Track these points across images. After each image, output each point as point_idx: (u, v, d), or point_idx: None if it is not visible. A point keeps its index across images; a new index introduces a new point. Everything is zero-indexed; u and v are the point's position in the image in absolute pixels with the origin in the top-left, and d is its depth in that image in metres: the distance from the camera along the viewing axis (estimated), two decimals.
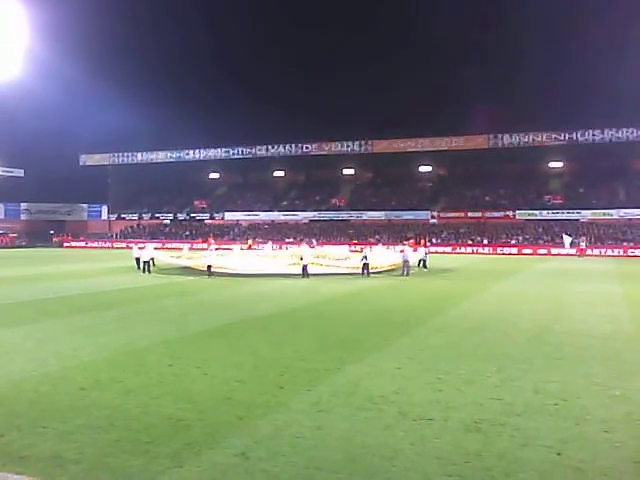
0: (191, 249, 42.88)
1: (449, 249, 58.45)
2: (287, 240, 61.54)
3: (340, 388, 8.58)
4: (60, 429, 6.82)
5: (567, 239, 54.29)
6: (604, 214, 60.86)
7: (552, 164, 67.15)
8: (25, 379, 8.99)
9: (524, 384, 8.89)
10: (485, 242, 60.81)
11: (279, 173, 77.61)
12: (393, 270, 30.51)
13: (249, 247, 38.76)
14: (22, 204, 79.02)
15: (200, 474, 5.66)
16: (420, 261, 32.50)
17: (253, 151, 73.91)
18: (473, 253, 57.64)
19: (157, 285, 24.41)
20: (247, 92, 74.99)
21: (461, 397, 8.21)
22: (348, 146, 70.13)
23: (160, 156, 77.79)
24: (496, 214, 65.12)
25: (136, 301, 18.97)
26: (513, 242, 59.99)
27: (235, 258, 31.45)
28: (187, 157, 77.11)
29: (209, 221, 76.58)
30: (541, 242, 59.10)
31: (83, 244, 73.33)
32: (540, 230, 61.89)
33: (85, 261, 41.87)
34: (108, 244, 72.43)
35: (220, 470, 5.74)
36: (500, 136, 63.93)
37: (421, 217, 67.81)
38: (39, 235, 74.15)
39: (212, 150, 75.64)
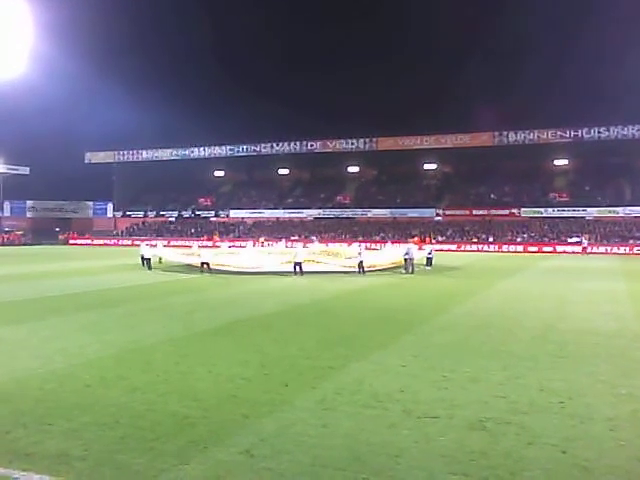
0: (201, 247, 42.94)
1: (454, 247, 58.37)
2: (292, 238, 61.55)
3: (345, 386, 8.59)
4: (66, 426, 6.84)
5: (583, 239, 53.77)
6: (610, 212, 60.69)
7: (557, 161, 66.96)
8: (31, 376, 9.02)
9: (529, 382, 8.87)
10: (490, 240, 60.72)
11: (284, 171, 77.63)
12: (394, 268, 30.27)
13: (261, 244, 38.87)
14: (28, 202, 79.27)
15: (205, 472, 5.67)
16: (428, 259, 32.28)
17: (258, 149, 73.99)
18: (478, 251, 57.55)
19: (162, 283, 24.47)
20: (252, 90, 75.04)
21: (466, 395, 8.20)
22: (353, 144, 70.13)
23: (165, 154, 77.95)
24: (501, 212, 65.04)
25: (142, 299, 19.01)
26: (518, 240, 59.88)
27: (242, 255, 31.50)
28: (192, 155, 77.23)
29: (214, 219, 76.69)
30: (546, 240, 58.98)
31: (89, 242, 73.55)
32: (545, 228, 61.79)
33: (91, 258, 41.99)
34: (114, 242, 72.64)
35: (225, 468, 5.75)
36: (505, 133, 63.84)
37: (426, 215, 67.77)
38: (45, 232, 74.35)
39: (217, 148, 75.74)
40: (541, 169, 67.42)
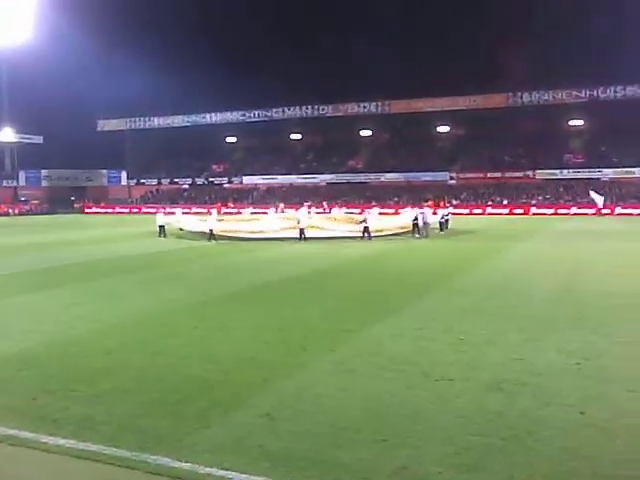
0: (220, 213, 43.14)
1: (467, 210, 58.04)
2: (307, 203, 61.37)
3: (363, 349, 8.67)
4: (89, 392, 6.98)
5: (597, 197, 52.69)
6: (626, 172, 59.81)
7: (573, 122, 65.78)
8: (54, 342, 9.18)
9: (546, 344, 8.90)
10: (505, 202, 60.29)
11: (296, 136, 77.08)
12: (404, 234, 29.52)
13: (281, 210, 38.90)
14: (42, 171, 79.45)
15: (227, 434, 5.77)
16: (441, 223, 32.03)
17: (269, 114, 73.41)
18: (492, 214, 57.22)
19: (178, 250, 24.62)
20: (262, 54, 74.10)
21: (483, 357, 8.25)
22: (365, 107, 69.38)
23: (177, 120, 77.58)
24: (516, 174, 64.34)
25: (159, 265, 19.19)
26: (533, 202, 59.40)
27: (262, 222, 31.37)
28: (203, 121, 76.77)
29: (227, 185, 76.61)
30: (562, 202, 58.46)
31: (104, 210, 73.97)
32: (561, 190, 61.17)
33: (106, 226, 42.29)
34: (129, 209, 72.97)
35: (246, 430, 5.85)
36: (519, 94, 62.77)
37: (440, 178, 67.23)
38: (60, 201, 74.72)
39: (228, 113, 75.21)
40: (556, 130, 66.31)
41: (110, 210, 73.77)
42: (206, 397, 6.76)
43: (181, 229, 32.36)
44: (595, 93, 59.92)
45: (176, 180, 79.29)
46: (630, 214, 51.62)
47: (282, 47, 71.88)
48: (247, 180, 75.69)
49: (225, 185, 76.74)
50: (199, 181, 78.27)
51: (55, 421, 6.13)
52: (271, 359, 8.22)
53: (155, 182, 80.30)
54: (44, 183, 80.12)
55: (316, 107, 71.06)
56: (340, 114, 70.64)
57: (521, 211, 57.33)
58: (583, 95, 60.64)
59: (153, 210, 43.84)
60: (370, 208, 41.00)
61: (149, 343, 9.10)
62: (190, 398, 6.74)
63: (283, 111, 72.57)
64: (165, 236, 30.12)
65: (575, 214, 54.13)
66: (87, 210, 74.15)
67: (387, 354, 8.38)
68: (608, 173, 60.64)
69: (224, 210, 50.95)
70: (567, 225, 38.84)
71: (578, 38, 57.23)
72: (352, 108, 69.91)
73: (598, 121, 62.27)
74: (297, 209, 36.25)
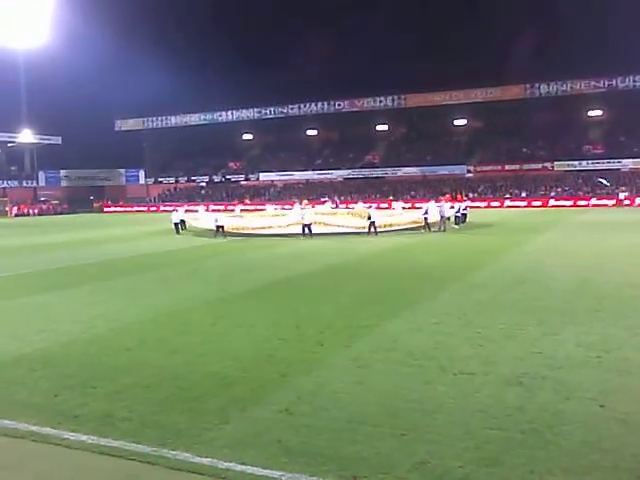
0: (243, 210, 43.38)
1: (485, 203, 57.69)
2: (323, 199, 61.41)
3: (380, 344, 8.66)
4: (110, 388, 7.05)
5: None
6: None
7: (591, 112, 65.03)
8: (74, 341, 9.28)
9: (565, 337, 8.82)
10: (523, 195, 59.83)
11: (312, 132, 77.08)
12: (415, 229, 29.27)
13: (305, 206, 38.99)
14: (62, 171, 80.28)
15: (245, 430, 5.80)
16: (457, 217, 31.85)
17: (285, 110, 73.47)
18: (511, 207, 56.81)
19: (195, 247, 24.77)
20: (277, 50, 74.21)
21: (501, 351, 8.20)
22: (381, 101, 69.18)
23: (193, 119, 77.94)
24: (534, 166, 63.86)
25: (176, 263, 19.30)
26: (552, 194, 58.87)
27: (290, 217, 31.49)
28: (220, 119, 77.03)
29: (244, 182, 76.87)
30: (580, 193, 57.89)
31: (123, 209, 74.55)
32: (580, 181, 60.58)
33: (125, 225, 42.62)
34: (147, 208, 73.45)
35: (265, 425, 5.88)
36: (537, 85, 62.23)
37: (457, 171, 66.91)
38: (79, 201, 75.55)
39: (244, 111, 75.40)
40: (574, 121, 65.62)
41: (128, 209, 74.37)
42: (225, 393, 6.80)
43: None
44: (614, 83, 59.22)
45: (193, 178, 79.71)
46: None
47: (297, 44, 71.93)
48: (263, 177, 75.87)
49: (242, 182, 77.00)
50: (216, 179, 78.62)
51: (76, 417, 6.20)
52: (288, 355, 8.25)
53: (172, 180, 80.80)
54: (63, 183, 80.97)
55: (332, 102, 70.97)
56: (356, 109, 70.47)
57: (539, 203, 56.92)
58: (602, 85, 59.96)
59: (170, 208, 44.11)
60: (395, 202, 40.80)
61: (168, 341, 9.16)
62: (209, 394, 6.78)
63: (299, 107, 72.59)
64: (181, 231, 30.85)
65: (594, 205, 53.59)
66: (106, 209, 74.82)
67: (404, 349, 8.36)
68: (628, 164, 59.96)
69: (242, 207, 51.18)
70: (586, 217, 38.46)
71: (596, 27, 56.54)
72: (368, 103, 69.71)
73: (617, 111, 61.52)
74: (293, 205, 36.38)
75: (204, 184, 78.96)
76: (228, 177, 78.22)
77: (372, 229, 27.66)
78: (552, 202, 56.73)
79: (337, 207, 42.26)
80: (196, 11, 72.23)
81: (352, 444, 5.43)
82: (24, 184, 77.07)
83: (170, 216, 33.86)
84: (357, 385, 6.96)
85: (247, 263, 19.05)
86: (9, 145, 74.14)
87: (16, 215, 67.72)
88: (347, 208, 38.39)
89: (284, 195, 69.14)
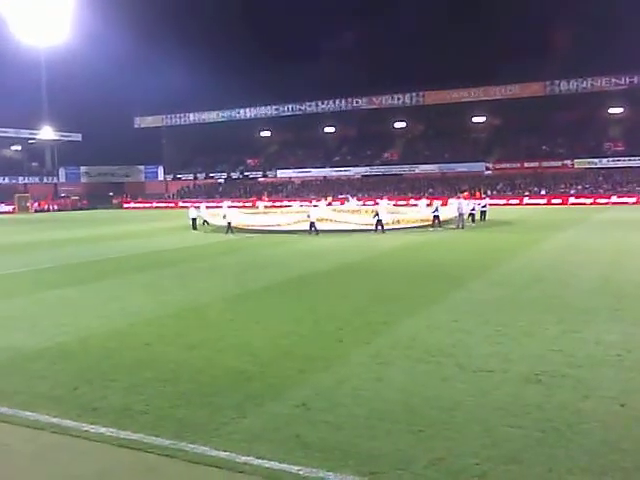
0: (267, 207, 43.63)
1: (504, 201, 57.26)
2: (341, 197, 61.33)
3: (398, 341, 8.64)
4: (128, 382, 7.11)
5: None
6: None
7: (612, 110, 64.11)
8: (93, 335, 9.36)
9: (585, 335, 8.74)
10: (542, 193, 59.32)
11: (330, 129, 76.98)
12: (425, 226, 28.78)
13: (330, 203, 39.09)
14: (82, 167, 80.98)
15: (263, 424, 5.82)
16: (472, 215, 31.60)
17: (303, 108, 73.47)
18: (530, 204, 56.35)
19: (212, 244, 24.88)
20: (295, 48, 74.15)
21: (521, 349, 8.15)
22: (399, 99, 68.87)
23: (212, 116, 78.20)
24: (553, 163, 63.20)
25: (194, 259, 19.40)
26: (572, 192, 58.30)
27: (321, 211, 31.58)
28: (238, 116, 77.24)
29: (262, 179, 77.02)
30: (601, 191, 57.26)
31: (142, 205, 75.05)
32: (600, 179, 59.89)
33: (144, 221, 42.89)
34: (166, 204, 73.88)
35: (283, 420, 5.90)
36: (557, 82, 61.58)
37: (475, 169, 66.42)
38: (99, 197, 76.24)
39: (262, 108, 75.54)
40: (595, 118, 64.81)
41: (147, 205, 74.81)
42: (242, 388, 6.82)
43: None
44: (635, 80, 58.42)
45: (211, 175, 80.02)
46: None
47: (315, 42, 71.89)
48: (281, 174, 75.95)
49: (260, 179, 77.14)
50: (234, 175, 78.82)
51: (95, 410, 6.27)
52: (307, 351, 8.26)
53: (191, 177, 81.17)
54: (83, 179, 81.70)
55: (350, 100, 70.83)
56: (374, 106, 70.25)
57: (559, 201, 56.35)
58: (622, 82, 59.18)
59: (189, 205, 44.39)
60: (419, 199, 40.54)
61: (186, 336, 9.21)
62: (227, 389, 6.81)
63: (317, 105, 72.53)
64: (199, 227, 31.32)
65: (615, 203, 52.98)
66: (125, 205, 75.36)
67: (423, 346, 8.34)
68: None
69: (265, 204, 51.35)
70: (606, 215, 38.04)
71: (617, 23, 55.81)
72: (386, 100, 69.46)
73: (638, 108, 60.70)
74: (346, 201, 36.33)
75: (222, 180, 79.22)
76: (246, 174, 78.40)
77: (379, 227, 27.57)
78: (572, 200, 56.15)
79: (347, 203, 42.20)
80: (215, 9, 72.45)
81: (370, 440, 5.42)
82: (45, 180, 77.89)
83: (187, 212, 34.08)
84: (376, 382, 6.95)
85: (263, 260, 19.09)
86: (30, 142, 74.88)
87: (36, 211, 68.47)
88: (372, 205, 38.13)
89: (302, 192, 69.11)
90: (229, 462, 5.03)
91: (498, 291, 12.33)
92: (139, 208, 73.15)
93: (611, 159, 61.06)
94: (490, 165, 66.47)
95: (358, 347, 8.43)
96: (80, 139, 77.09)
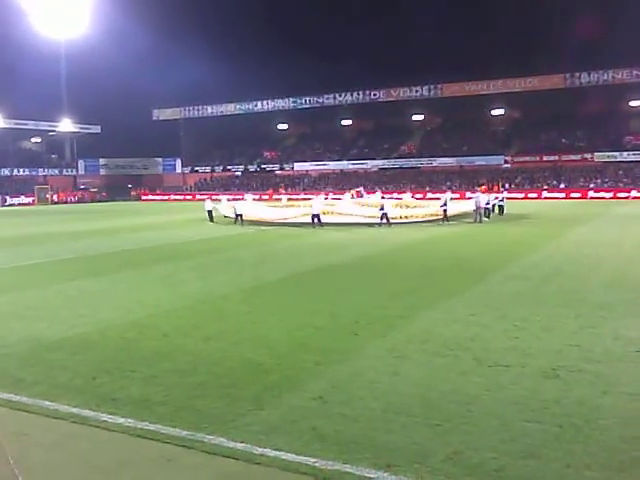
0: (290, 200, 43.69)
1: (523, 195, 56.79)
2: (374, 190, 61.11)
3: (415, 335, 8.62)
4: (147, 373, 7.18)
5: None
6: None
7: (633, 102, 63.21)
8: (111, 326, 9.46)
9: (603, 330, 8.67)
10: (562, 186, 58.75)
11: (347, 122, 76.74)
12: (435, 220, 28.52)
13: (356, 195, 39.04)
14: (100, 159, 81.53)
15: (280, 416, 5.85)
16: (487, 209, 31.27)
17: (320, 100, 73.29)
18: (549, 198, 55.84)
19: (229, 236, 24.95)
20: (313, 41, 73.97)
21: (538, 344, 8.10)
22: (417, 91, 68.43)
23: (229, 108, 78.29)
24: (573, 157, 62.47)
25: (212, 251, 19.48)
26: (591, 186, 57.67)
27: (343, 205, 31.86)
28: (255, 108, 77.26)
29: (279, 172, 77.03)
30: (621, 185, 56.57)
31: (160, 197, 75.45)
32: (620, 173, 59.15)
33: (162, 213, 43.12)
34: (184, 196, 74.23)
35: (299, 413, 5.92)
36: (577, 74, 60.78)
37: (493, 162, 65.85)
38: (118, 189, 76.72)
39: (280, 101, 75.45)
40: (616, 111, 63.91)
41: (165, 197, 75.17)
42: (259, 380, 6.86)
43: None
44: None
45: (229, 167, 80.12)
46: None
47: (333, 34, 71.63)
48: (298, 167, 75.88)
49: (277, 172, 77.16)
50: (251, 168, 78.91)
51: (114, 400, 6.34)
52: (323, 344, 8.27)
53: (209, 170, 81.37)
54: (102, 171, 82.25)
55: (367, 92, 70.53)
56: (392, 99, 69.89)
57: (578, 195, 55.74)
58: None
59: (206, 197, 44.55)
60: (444, 193, 40.12)
61: (203, 327, 9.27)
62: (244, 381, 6.85)
63: (334, 97, 72.28)
64: (212, 220, 31.60)
65: (635, 198, 52.34)
66: (143, 197, 75.79)
67: (439, 340, 8.32)
68: None
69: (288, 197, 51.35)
70: (626, 209, 37.59)
71: (637, 15, 54.95)
72: (404, 92, 69.07)
73: None
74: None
75: (239, 173, 79.36)
76: (263, 166, 78.45)
77: (384, 220, 27.49)
78: (591, 194, 55.54)
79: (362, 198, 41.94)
80: (236, 2, 72.44)
81: (387, 433, 5.43)
82: (64, 172, 78.52)
83: (203, 205, 34.18)
84: (392, 375, 6.95)
85: (278, 252, 19.13)
86: (50, 134, 75.49)
87: (55, 202, 69.09)
88: (396, 199, 37.83)
89: (318, 185, 69.04)
90: (246, 453, 5.07)
91: (516, 285, 12.26)
92: (157, 200, 73.51)
93: (632, 153, 60.24)
94: (509, 158, 65.88)
95: (374, 340, 8.43)
96: (99, 131, 77.57)
